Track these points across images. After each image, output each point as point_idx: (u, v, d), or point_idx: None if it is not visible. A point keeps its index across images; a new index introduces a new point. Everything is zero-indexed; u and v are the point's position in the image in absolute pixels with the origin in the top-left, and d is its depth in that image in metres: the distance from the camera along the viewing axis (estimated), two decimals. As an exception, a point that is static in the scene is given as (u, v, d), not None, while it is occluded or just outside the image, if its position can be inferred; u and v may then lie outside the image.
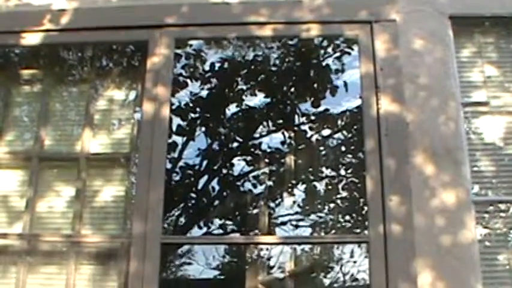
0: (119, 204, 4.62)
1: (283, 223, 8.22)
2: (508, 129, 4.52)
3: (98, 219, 4.57)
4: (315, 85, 7.60)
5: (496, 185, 4.45)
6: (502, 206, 4.40)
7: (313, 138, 7.78)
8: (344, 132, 7.81)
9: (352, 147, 7.38)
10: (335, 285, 5.70)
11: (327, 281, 5.45)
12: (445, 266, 4.07)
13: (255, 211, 8.19)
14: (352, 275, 5.94)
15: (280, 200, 7.90)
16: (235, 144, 8.46)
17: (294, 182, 7.27)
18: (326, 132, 7.89)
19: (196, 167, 8.55)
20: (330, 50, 7.46)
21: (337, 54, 7.41)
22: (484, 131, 4.51)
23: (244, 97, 8.02)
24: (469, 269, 4.07)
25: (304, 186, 7.24)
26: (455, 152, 4.31)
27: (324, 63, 7.51)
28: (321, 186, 7.11)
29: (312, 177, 7.11)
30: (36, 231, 4.53)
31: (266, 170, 8.16)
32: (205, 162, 8.59)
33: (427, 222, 4.17)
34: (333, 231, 6.06)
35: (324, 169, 7.32)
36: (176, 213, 8.72)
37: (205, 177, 8.61)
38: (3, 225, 4.58)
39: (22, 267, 4.42)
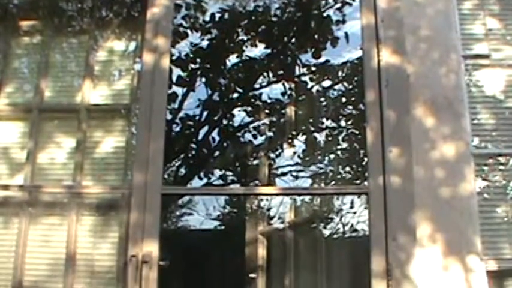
0: (119, 155, 4.62)
1: (283, 174, 8.25)
2: (509, 83, 4.51)
3: (99, 170, 4.58)
4: (316, 36, 7.55)
5: (495, 138, 4.45)
6: (502, 159, 4.41)
7: (314, 89, 7.76)
8: (344, 83, 7.79)
9: (353, 99, 7.37)
10: (334, 235, 5.74)
11: (326, 232, 5.49)
12: (444, 218, 4.10)
13: (255, 162, 8.21)
14: (351, 225, 5.99)
15: (280, 151, 7.92)
16: (235, 95, 8.44)
17: (294, 133, 7.27)
18: (326, 83, 7.87)
19: (197, 118, 8.55)
20: (331, 0, 7.40)
21: (338, 5, 7.36)
22: (484, 84, 4.50)
23: (244, 48, 7.98)
24: (467, 220, 4.10)
25: (304, 137, 7.25)
26: (455, 104, 4.31)
27: (324, 14, 7.46)
28: (321, 137, 7.11)
29: (312, 128, 7.11)
30: (37, 183, 4.55)
31: (266, 120, 8.17)
32: (205, 113, 8.58)
33: (427, 174, 4.19)
34: (333, 182, 6.08)
35: (324, 120, 7.32)
36: (176, 164, 8.75)
37: (206, 128, 8.62)
38: (5, 177, 4.60)
39: (24, 218, 4.45)
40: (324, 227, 5.45)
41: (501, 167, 4.41)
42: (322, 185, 5.92)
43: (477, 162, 4.31)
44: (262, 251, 5.45)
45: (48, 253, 4.41)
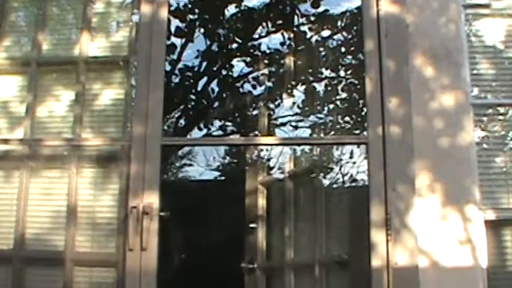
0: (118, 107, 4.61)
1: (283, 124, 8.26)
2: (509, 32, 4.48)
3: (98, 123, 4.57)
4: (315, -15, 7.49)
5: (495, 88, 4.44)
6: (501, 109, 4.40)
7: (313, 39, 7.72)
8: (343, 33, 7.73)
9: (352, 49, 7.33)
10: (334, 185, 5.77)
11: (326, 182, 5.51)
12: (443, 168, 4.12)
13: (254, 112, 8.22)
14: (351, 175, 6.02)
15: (279, 101, 7.91)
16: (234, 46, 8.40)
17: (293, 83, 7.24)
18: (326, 33, 7.82)
19: (196, 69, 8.52)
20: (329, -51, 7.32)
21: (337, -47, 7.27)
22: (484, 34, 4.47)
23: (243, -3, 7.93)
24: (466, 170, 4.12)
25: (303, 87, 7.22)
26: (455, 54, 4.29)
27: (323, -37, 7.38)
28: (320, 87, 7.10)
29: (311, 78, 7.09)
30: (37, 136, 4.54)
31: (265, 71, 8.15)
32: (204, 64, 8.55)
33: (426, 124, 4.19)
34: (332, 132, 6.08)
35: (323, 70, 7.30)
36: (176, 115, 8.75)
37: (205, 79, 8.60)
38: (4, 131, 4.59)
39: (24, 172, 4.46)
40: (324, 177, 5.46)
41: (500, 117, 4.41)
42: (322, 135, 5.92)
43: (476, 113, 4.30)
44: (262, 201, 5.47)
45: (49, 206, 4.43)
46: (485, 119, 4.39)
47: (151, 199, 4.15)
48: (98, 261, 4.35)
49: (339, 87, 7.11)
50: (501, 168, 4.35)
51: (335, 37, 7.80)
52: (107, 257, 4.34)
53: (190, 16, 8.05)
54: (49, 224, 4.41)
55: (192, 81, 8.59)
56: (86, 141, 4.49)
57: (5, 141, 4.53)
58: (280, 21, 7.95)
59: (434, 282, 3.98)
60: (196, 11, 8.05)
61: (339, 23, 7.76)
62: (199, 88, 8.62)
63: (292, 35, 7.78)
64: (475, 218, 4.07)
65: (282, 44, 7.81)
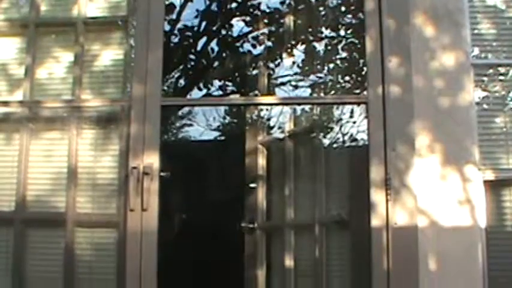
0: (118, 67, 4.60)
1: (283, 84, 8.21)
2: (510, -8, 4.45)
3: (98, 84, 4.56)
4: None
5: (496, 48, 4.43)
6: (502, 69, 4.40)
7: (313, -2, 7.64)
8: (344, -8, 7.66)
9: (352, 8, 7.25)
10: (334, 145, 5.76)
11: (326, 141, 5.50)
12: (443, 128, 4.12)
13: (254, 72, 8.17)
14: (351, 135, 6.00)
15: (279, 60, 7.85)
16: (234, 5, 8.32)
17: (293, 42, 7.18)
18: (326, -9, 7.74)
19: (195, 29, 8.46)
20: None
21: None
22: (485, -7, 4.45)
23: (242, -45, 7.84)
24: (466, 131, 4.13)
25: (303, 46, 7.17)
26: (456, 13, 4.27)
27: None
28: (320, 46, 7.03)
29: (311, 38, 7.03)
30: (36, 98, 4.54)
31: (265, 30, 8.08)
32: (204, 24, 8.48)
33: (426, 84, 4.19)
34: (332, 91, 6.06)
35: (323, 29, 7.24)
36: (176, 76, 8.71)
37: (204, 39, 8.54)
38: (4, 93, 4.59)
39: (24, 134, 4.47)
40: (324, 137, 5.44)
41: (501, 78, 4.40)
42: (322, 94, 5.89)
43: (477, 73, 4.30)
44: (262, 161, 5.48)
45: (50, 167, 4.45)
46: (485, 79, 4.38)
47: (152, 159, 4.16)
48: (99, 222, 4.39)
49: (339, 47, 7.05)
50: (501, 129, 4.36)
51: (335, -4, 7.73)
52: (107, 217, 4.37)
53: (189, -25, 7.98)
54: (50, 185, 4.43)
55: (191, 41, 8.53)
56: (86, 102, 4.50)
57: (5, 103, 4.55)
58: (279, -20, 7.86)
59: (433, 241, 4.01)
60: (195, -31, 7.98)
61: (339, -19, 7.69)
62: (198, 48, 8.56)
63: (291, -6, 7.71)
64: (474, 178, 4.09)
65: (282, 3, 7.71)
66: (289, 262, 4.98)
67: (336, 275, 4.69)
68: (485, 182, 4.13)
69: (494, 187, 4.21)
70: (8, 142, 4.52)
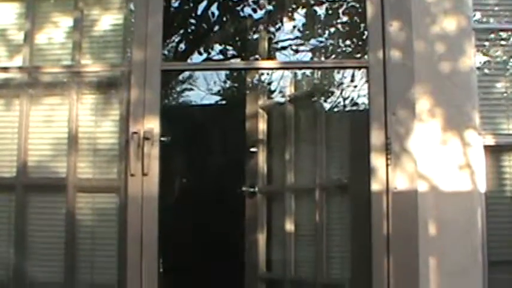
0: (117, 32, 4.58)
1: (284, 48, 8.20)
2: (513, -45, 4.41)
3: (98, 49, 4.54)
4: None
5: (497, 13, 4.40)
6: (503, 34, 4.38)
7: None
8: (345, -45, 7.61)
9: (353, -29, 7.22)
10: (335, 109, 5.76)
11: (327, 105, 5.49)
12: (443, 93, 4.12)
13: (255, 36, 8.14)
14: (352, 99, 6.00)
15: (280, 24, 7.84)
16: (234, -32, 8.28)
17: (294, 6, 7.17)
18: (326, -46, 7.68)
19: (195, -7, 8.42)
20: None
21: None
22: (487, -44, 4.41)
23: None
24: (466, 95, 4.12)
25: (304, 10, 7.14)
26: (457, -23, 4.24)
27: None
28: (321, 10, 7.00)
29: (312, 2, 6.99)
30: (36, 64, 4.53)
31: (266, -6, 8.03)
32: (204, -13, 8.44)
33: (427, 48, 4.17)
34: (333, 56, 6.04)
35: (324, -7, 7.20)
36: (176, 40, 8.67)
37: (205, 3, 8.48)
38: (3, 59, 4.57)
39: (24, 99, 4.46)
40: (324, 101, 5.43)
41: (502, 42, 4.39)
42: (322, 58, 5.87)
43: (478, 37, 4.28)
44: (262, 125, 5.47)
45: (51, 133, 4.45)
46: (486, 43, 4.36)
47: (152, 124, 4.16)
48: (100, 187, 4.40)
49: (340, 11, 7.02)
50: (502, 94, 4.35)
51: (336, -41, 7.67)
52: (108, 182, 4.39)
53: None
54: (51, 151, 4.44)
55: (191, 5, 8.48)
56: (86, 67, 4.48)
57: (4, 69, 4.53)
58: None
59: (433, 206, 4.03)
60: None
61: None
62: (199, 12, 8.50)
63: (293, -43, 7.65)
64: (474, 143, 4.09)
65: (283, -34, 7.67)
66: (289, 226, 5.01)
67: (336, 239, 4.71)
68: (485, 147, 4.13)
69: (494, 152, 4.21)
70: (8, 108, 4.51)
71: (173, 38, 8.58)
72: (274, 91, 6.47)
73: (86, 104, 4.45)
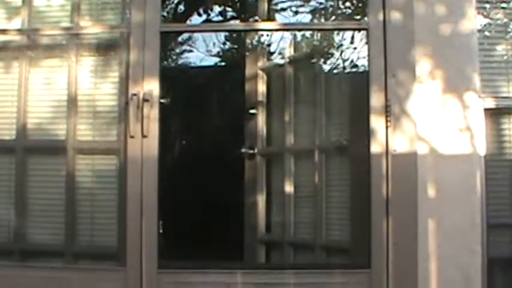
0: (116, -6, 4.55)
1: (283, 9, 8.13)
2: None
3: (97, 10, 4.52)
4: None
5: (500, -24, 4.38)
6: (505, -4, 4.36)
7: None
8: None
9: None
10: (334, 71, 5.72)
11: (326, 67, 5.46)
12: (444, 55, 4.10)
13: (254, -3, 8.08)
14: (351, 61, 5.95)
15: (280, -15, 7.77)
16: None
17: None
18: None
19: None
20: None
21: None
22: None
23: None
24: (467, 58, 4.11)
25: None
26: None
27: None
28: (321, -29, 6.95)
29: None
30: (35, 26, 4.51)
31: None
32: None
33: (427, 10, 4.15)
34: (333, 17, 6.00)
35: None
36: (175, 1, 8.59)
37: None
38: (2, 22, 4.54)
39: (24, 62, 4.46)
40: (324, 63, 5.41)
41: (503, 5, 4.36)
42: (322, 20, 5.83)
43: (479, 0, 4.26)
44: (262, 87, 5.46)
45: (50, 95, 4.45)
46: (487, 6, 4.34)
47: (152, 86, 4.17)
48: (100, 149, 4.43)
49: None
50: (502, 57, 4.35)
51: None
52: (108, 144, 4.41)
53: None
54: (50, 113, 4.45)
55: (190, -35, 8.40)
56: (85, 29, 4.46)
57: (3, 31, 4.50)
58: None
59: (433, 169, 4.04)
60: None
61: None
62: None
63: None
64: (474, 105, 4.09)
65: None
66: (288, 188, 5.03)
67: (335, 200, 4.73)
68: (485, 110, 4.14)
69: (494, 115, 4.22)
70: (7, 71, 4.51)
71: (172, -2, 8.52)
72: (273, 53, 6.42)
73: (85, 66, 4.45)
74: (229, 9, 8.68)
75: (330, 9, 5.85)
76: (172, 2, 8.45)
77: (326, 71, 5.35)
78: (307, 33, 5.48)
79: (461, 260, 4.04)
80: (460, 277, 4.03)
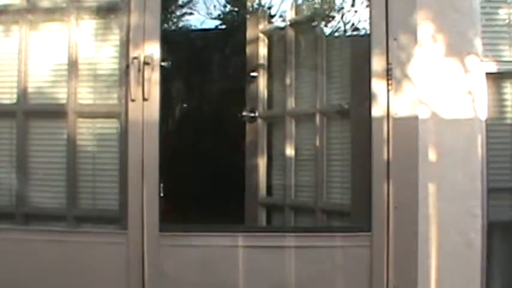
0: (116, -45, 4.51)
1: (284, -29, 8.07)
2: None
3: (97, -27, 4.50)
4: None
5: None
6: (507, -43, 4.33)
7: None
8: None
9: None
10: (336, 34, 5.69)
11: (327, 30, 5.43)
12: (446, 19, 4.09)
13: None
14: (352, 24, 5.92)
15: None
16: None
17: None
18: None
19: None
20: None
21: None
22: None
23: None
24: (469, 22, 4.09)
25: None
26: None
27: None
28: None
29: None
30: (35, -11, 4.49)
31: None
32: None
33: (429, -25, 4.12)
34: (334, -21, 5.96)
35: None
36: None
37: None
38: (1, -15, 4.53)
39: (24, 25, 4.43)
40: (325, 25, 5.38)
41: (506, -32, 4.34)
42: (323, -18, 5.80)
43: (480, -34, 4.24)
44: (263, 50, 5.44)
45: (51, 59, 4.43)
46: (490, -32, 4.32)
47: (152, 49, 4.15)
48: (101, 112, 4.42)
49: None
50: (504, 21, 4.32)
51: None
52: (109, 108, 4.40)
53: None
54: (51, 77, 4.44)
55: None
56: (85, -8, 4.44)
57: (3, -5, 4.49)
58: None
59: (434, 132, 4.05)
60: None
61: None
62: None
63: None
64: (476, 69, 4.08)
65: None
66: (289, 151, 5.03)
67: (336, 164, 4.73)
68: (487, 74, 4.13)
69: (495, 79, 4.21)
70: (7, 34, 4.48)
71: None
72: (274, 16, 6.38)
73: (85, 30, 4.42)
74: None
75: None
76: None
77: (327, 34, 5.32)
78: (308, -9, 5.44)
79: (462, 224, 4.07)
80: (460, 240, 4.07)
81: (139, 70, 4.12)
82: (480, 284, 4.13)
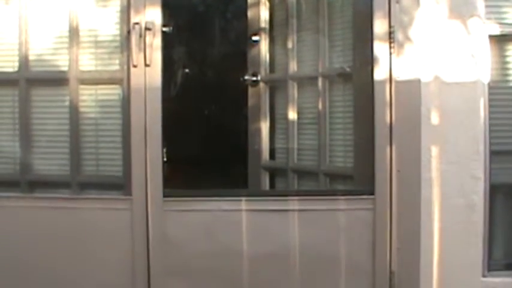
0: None
1: None
2: None
3: None
4: None
5: None
6: None
7: None
8: None
9: None
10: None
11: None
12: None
13: None
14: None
15: None
16: None
17: None
18: None
19: None
20: None
21: None
22: None
23: None
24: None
25: None
26: None
27: None
28: None
29: None
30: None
31: None
32: None
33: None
34: None
35: None
36: None
37: None
38: None
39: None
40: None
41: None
42: None
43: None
44: (264, 13, 5.41)
45: (51, 26, 4.41)
46: None
47: (153, 15, 4.13)
48: (103, 79, 4.41)
49: None
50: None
51: None
52: (111, 74, 4.39)
53: None
54: (52, 44, 4.42)
55: None
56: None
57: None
58: None
59: (436, 95, 4.05)
60: None
61: None
62: None
63: None
64: (478, 32, 4.06)
65: None
66: (292, 115, 5.03)
67: (339, 127, 4.73)
68: (489, 36, 4.11)
69: (498, 42, 4.20)
70: (7, 2, 4.44)
71: None
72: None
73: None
74: None
75: None
76: None
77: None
78: None
79: (464, 186, 4.08)
80: (462, 203, 4.09)
81: (140, 36, 4.10)
82: (482, 246, 4.16)
